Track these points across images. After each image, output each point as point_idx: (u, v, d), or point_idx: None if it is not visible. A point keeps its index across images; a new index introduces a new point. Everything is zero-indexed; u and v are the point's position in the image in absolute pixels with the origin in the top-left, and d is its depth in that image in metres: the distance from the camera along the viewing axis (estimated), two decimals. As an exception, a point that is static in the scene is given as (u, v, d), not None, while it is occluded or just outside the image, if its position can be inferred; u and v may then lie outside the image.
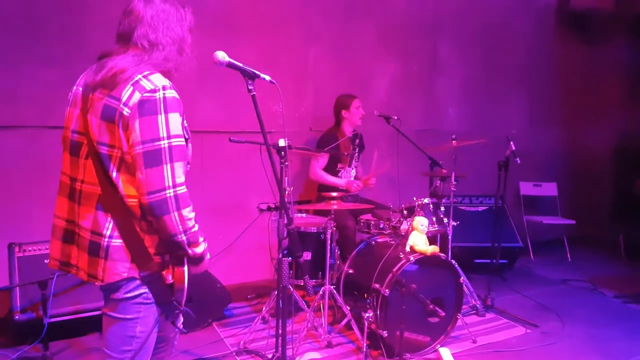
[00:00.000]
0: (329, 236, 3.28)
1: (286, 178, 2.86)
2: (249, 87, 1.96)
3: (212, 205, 4.10)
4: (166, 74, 1.59)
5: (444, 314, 3.11)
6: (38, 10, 3.40)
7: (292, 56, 4.39)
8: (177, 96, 1.53)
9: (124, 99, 1.47)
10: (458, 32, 5.27)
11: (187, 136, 1.62)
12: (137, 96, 1.47)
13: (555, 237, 5.64)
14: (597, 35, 5.99)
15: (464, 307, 3.47)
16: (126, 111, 1.47)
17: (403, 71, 5.01)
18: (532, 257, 5.38)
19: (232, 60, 1.92)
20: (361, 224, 3.66)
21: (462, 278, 3.33)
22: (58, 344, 3.09)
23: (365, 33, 4.74)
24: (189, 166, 1.71)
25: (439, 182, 3.88)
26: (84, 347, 3.14)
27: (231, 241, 4.17)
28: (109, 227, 1.52)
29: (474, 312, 3.84)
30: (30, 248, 3.17)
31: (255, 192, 4.19)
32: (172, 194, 1.46)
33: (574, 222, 5.49)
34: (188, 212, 1.50)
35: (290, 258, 3.24)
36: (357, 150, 4.20)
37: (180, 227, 1.49)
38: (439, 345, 3.18)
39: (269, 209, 3.62)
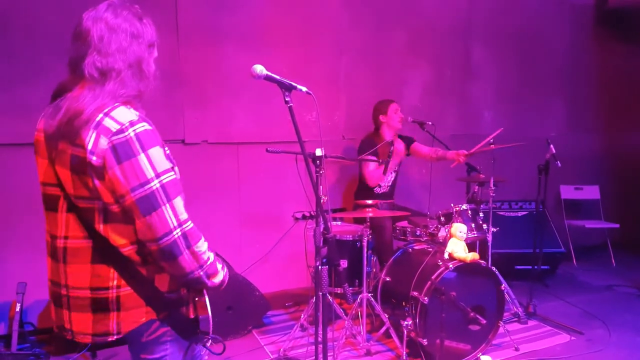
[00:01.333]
0: (365, 244, 3.28)
1: (322, 187, 2.88)
2: (286, 99, 1.97)
3: (249, 215, 4.17)
4: (128, 103, 1.40)
5: (485, 321, 3.06)
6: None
7: (323, 66, 4.43)
8: (150, 127, 1.37)
9: (89, 147, 1.31)
10: (491, 34, 5.20)
11: (172, 164, 1.47)
12: (104, 142, 1.31)
13: (599, 241, 5.48)
14: (638, 33, 5.81)
15: (505, 314, 3.40)
16: (94, 160, 1.31)
17: (436, 76, 4.97)
18: (574, 262, 5.23)
19: (270, 73, 1.95)
20: (397, 231, 3.65)
21: (503, 285, 3.27)
22: (106, 352, 3.17)
23: (396, 39, 4.73)
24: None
25: (477, 187, 3.82)
26: (129, 355, 3.21)
27: (267, 250, 4.22)
28: (113, 277, 1.40)
29: (515, 319, 3.76)
30: (77, 259, 3.28)
31: (290, 201, 4.23)
32: (179, 233, 1.36)
33: (617, 225, 5.32)
34: (200, 246, 1.41)
35: (328, 266, 3.28)
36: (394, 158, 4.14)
37: (195, 263, 1.40)
38: (480, 354, 3.13)
39: (304, 217, 3.65)
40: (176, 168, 1.50)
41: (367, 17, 4.59)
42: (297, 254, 4.33)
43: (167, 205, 1.35)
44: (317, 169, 2.80)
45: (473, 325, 3.08)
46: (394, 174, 4.15)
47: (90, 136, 1.31)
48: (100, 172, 1.33)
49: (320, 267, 2.18)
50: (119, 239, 1.38)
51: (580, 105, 5.81)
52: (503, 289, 3.24)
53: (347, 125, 4.57)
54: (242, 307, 3.53)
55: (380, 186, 4.09)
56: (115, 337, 1.44)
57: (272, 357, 3.21)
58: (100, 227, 1.38)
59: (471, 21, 5.10)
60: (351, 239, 3.54)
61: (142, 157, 1.33)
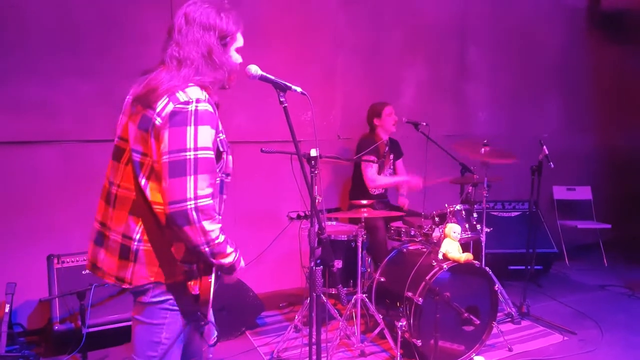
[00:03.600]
0: (359, 244, 3.27)
1: (316, 187, 2.86)
2: (281, 99, 1.96)
3: (243, 215, 4.14)
4: (204, 88, 1.57)
5: (478, 322, 3.06)
6: (78, 24, 3.49)
7: (319, 64, 4.41)
8: (211, 109, 1.53)
9: (158, 109, 1.49)
10: (486, 35, 5.21)
11: (222, 149, 1.63)
12: (170, 107, 1.48)
13: (591, 241, 5.50)
14: (630, 36, 5.85)
15: (499, 314, 3.40)
16: (158, 121, 1.49)
17: (431, 76, 4.97)
18: (567, 262, 5.26)
19: (265, 74, 1.94)
20: (392, 231, 3.64)
21: (496, 285, 3.28)
22: (96, 354, 3.16)
23: (392, 39, 4.73)
24: (229, 178, 1.74)
25: (470, 188, 3.83)
26: (121, 356, 3.19)
27: (262, 250, 4.19)
28: (139, 231, 1.55)
29: (509, 319, 3.77)
30: (68, 260, 3.26)
31: (285, 201, 4.22)
32: (192, 205, 1.44)
33: (609, 226, 5.35)
34: (209, 224, 1.48)
35: (322, 267, 3.26)
36: (389, 157, 4.16)
37: (201, 238, 1.48)
38: (474, 354, 3.13)
39: (298, 217, 3.64)
40: (229, 157, 1.71)
41: (363, 16, 4.58)
42: (292, 254, 4.31)
43: (192, 177, 1.45)
44: (312, 169, 2.78)
45: (467, 325, 3.08)
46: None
47: (163, 101, 1.50)
48: (157, 131, 1.49)
49: (314, 267, 2.16)
50: (155, 196, 1.52)
51: (574, 106, 5.84)
52: (497, 289, 3.25)
53: (342, 125, 4.56)
54: (236, 308, 3.51)
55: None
56: (127, 285, 1.57)
57: (265, 358, 3.19)
58: (142, 182, 1.54)
59: (467, 22, 5.11)
60: (346, 239, 3.52)
61: (190, 129, 1.47)
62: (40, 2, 3.37)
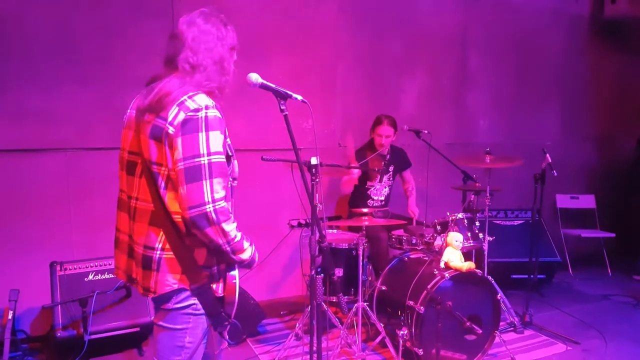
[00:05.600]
0: (360, 252, 3.26)
1: (317, 195, 2.87)
2: (282, 107, 1.98)
3: (243, 222, 4.06)
4: (210, 94, 1.64)
5: (481, 331, 3.05)
6: (75, 32, 3.52)
7: (320, 73, 4.43)
8: (220, 115, 1.59)
9: (169, 119, 1.54)
10: (488, 43, 5.23)
11: (230, 153, 1.69)
12: (181, 115, 1.53)
13: (595, 250, 5.47)
14: (634, 43, 5.85)
15: (501, 324, 3.38)
16: (171, 130, 1.53)
17: (432, 85, 4.98)
18: (570, 271, 5.23)
19: (265, 82, 1.95)
20: (393, 239, 3.64)
21: (499, 294, 3.26)
22: (100, 360, 3.16)
23: (393, 48, 4.75)
24: (235, 182, 1.80)
25: (473, 196, 3.82)
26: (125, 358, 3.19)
27: (263, 258, 4.19)
28: (160, 240, 1.59)
29: (511, 329, 3.75)
30: (70, 267, 3.27)
31: (286, 209, 4.22)
32: (211, 208, 1.51)
33: (613, 235, 5.32)
34: (227, 225, 1.56)
35: (323, 275, 3.26)
36: (388, 167, 4.14)
37: (222, 239, 1.56)
38: (476, 364, 3.11)
39: (299, 225, 3.64)
40: (235, 161, 1.77)
41: (364, 25, 4.60)
42: (292, 262, 4.32)
43: (208, 181, 1.51)
44: (313, 177, 2.79)
45: (469, 334, 3.07)
46: (387, 189, 4.15)
47: (173, 111, 1.55)
48: (171, 140, 1.54)
49: (315, 275, 2.17)
50: (173, 205, 1.57)
51: (576, 114, 5.83)
52: (499, 298, 3.23)
53: (343, 133, 4.56)
54: (237, 316, 3.49)
55: (373, 199, 4.09)
56: (152, 295, 1.61)
57: (266, 366, 3.19)
58: (161, 192, 1.58)
59: (467, 30, 5.13)
60: (347, 247, 3.52)
61: (202, 135, 1.53)
62: (41, 11, 3.40)
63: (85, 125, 3.57)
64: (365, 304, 3.28)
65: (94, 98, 3.56)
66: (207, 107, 1.56)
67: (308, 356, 2.82)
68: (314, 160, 2.64)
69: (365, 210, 3.36)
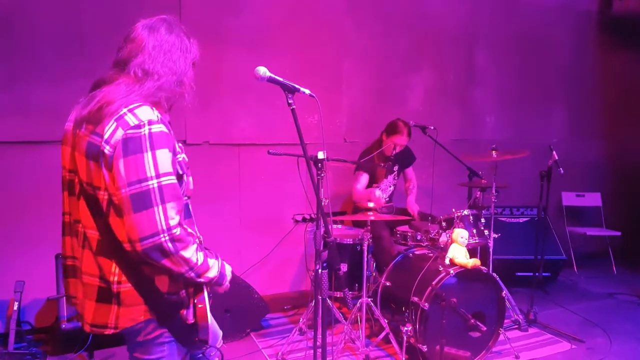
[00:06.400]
0: (365, 247, 3.26)
1: (323, 189, 2.86)
2: (289, 101, 1.96)
3: (249, 217, 4.15)
4: (157, 104, 1.47)
5: (485, 328, 3.04)
6: (86, 27, 3.50)
7: (326, 68, 4.41)
8: (166, 130, 1.42)
9: (106, 136, 1.36)
10: (495, 40, 5.19)
11: (182, 171, 1.50)
12: (119, 133, 1.35)
13: (600, 249, 5.45)
14: (642, 40, 5.81)
15: (505, 321, 3.38)
16: (107, 149, 1.36)
17: (439, 81, 4.96)
18: (575, 270, 5.21)
19: (273, 75, 1.94)
20: (398, 235, 3.63)
21: (504, 292, 3.25)
22: (103, 352, 3.16)
23: (400, 43, 4.72)
24: (189, 200, 1.62)
25: (478, 193, 3.80)
26: (127, 355, 3.19)
27: (267, 252, 4.20)
28: (115, 272, 1.42)
29: (516, 326, 3.74)
30: (76, 258, 3.26)
31: (291, 204, 4.21)
32: (166, 237, 1.33)
33: (619, 233, 5.30)
34: (186, 251, 1.39)
35: (328, 270, 3.25)
36: (393, 167, 4.09)
37: (184, 267, 1.40)
38: (480, 361, 3.11)
39: (304, 220, 3.64)
40: (190, 178, 1.57)
41: (371, 21, 4.58)
42: (297, 257, 4.31)
43: (160, 206, 1.34)
44: (319, 172, 2.78)
45: (473, 331, 3.06)
46: (392, 187, 4.13)
47: (110, 126, 1.37)
48: (109, 162, 1.36)
49: (320, 270, 2.16)
50: (122, 234, 1.37)
51: (583, 111, 5.79)
52: (504, 295, 3.22)
53: (349, 129, 4.55)
54: (241, 310, 3.51)
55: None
56: (112, 330, 1.45)
57: (270, 360, 3.19)
58: (107, 219, 1.40)
59: (475, 27, 5.09)
60: (351, 242, 3.52)
61: (147, 155, 1.35)
62: (48, 5, 3.39)
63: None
64: (369, 299, 3.27)
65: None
66: (150, 122, 1.37)
67: (312, 351, 2.83)
68: (320, 155, 2.63)
69: (370, 204, 3.34)
